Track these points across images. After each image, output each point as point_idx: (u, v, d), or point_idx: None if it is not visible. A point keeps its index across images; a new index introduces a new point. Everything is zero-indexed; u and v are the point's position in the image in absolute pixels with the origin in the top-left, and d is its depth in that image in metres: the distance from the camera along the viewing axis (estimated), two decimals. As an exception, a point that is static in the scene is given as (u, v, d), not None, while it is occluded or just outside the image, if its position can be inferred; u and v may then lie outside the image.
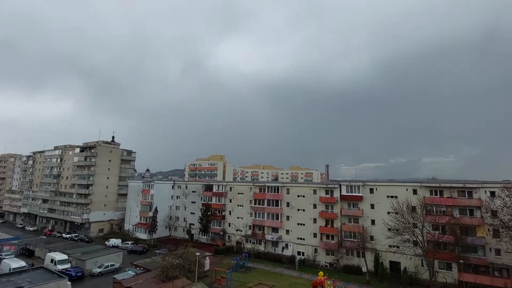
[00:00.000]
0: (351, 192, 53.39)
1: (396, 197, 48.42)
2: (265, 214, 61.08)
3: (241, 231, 63.83)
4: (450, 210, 44.84)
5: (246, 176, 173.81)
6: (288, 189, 60.68)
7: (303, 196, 58.31)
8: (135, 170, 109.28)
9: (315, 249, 55.01)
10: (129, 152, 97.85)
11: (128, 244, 65.98)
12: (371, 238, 49.59)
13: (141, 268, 44.34)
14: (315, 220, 56.00)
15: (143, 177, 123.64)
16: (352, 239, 50.42)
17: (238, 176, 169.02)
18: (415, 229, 42.11)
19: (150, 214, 71.85)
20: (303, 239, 56.79)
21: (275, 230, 60.23)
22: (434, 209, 45.74)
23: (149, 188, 76.14)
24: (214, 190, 70.76)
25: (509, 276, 39.46)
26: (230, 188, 69.14)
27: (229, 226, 66.97)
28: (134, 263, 47.47)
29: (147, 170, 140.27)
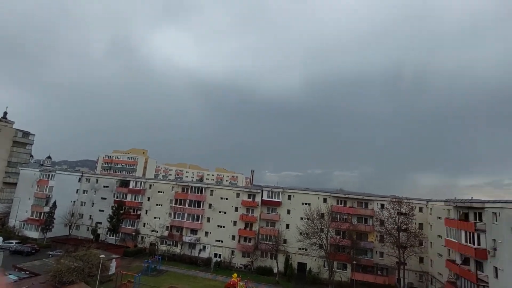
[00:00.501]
0: (272, 197, 56.43)
1: (309, 204, 53.40)
2: (186, 215, 59.01)
3: (157, 232, 60.00)
4: (350, 218, 51.86)
5: (169, 174, 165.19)
6: (212, 191, 60.21)
7: (226, 199, 58.73)
8: (31, 156, 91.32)
9: (232, 251, 55.81)
10: (26, 134, 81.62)
11: (12, 243, 54.27)
12: (284, 241, 53.22)
13: (27, 272, 36.93)
14: (235, 223, 56.94)
15: (42, 165, 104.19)
16: (267, 242, 53.08)
17: (160, 173, 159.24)
18: (322, 234, 47.24)
19: (46, 209, 60.99)
20: (222, 241, 56.97)
21: (194, 231, 58.70)
22: (338, 217, 52.13)
23: (48, 178, 64.59)
24: (130, 187, 64.73)
25: (388, 274, 47.71)
26: (150, 185, 64.46)
27: (144, 226, 62.15)
28: (18, 266, 39.18)
29: (48, 157, 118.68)
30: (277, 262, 50.83)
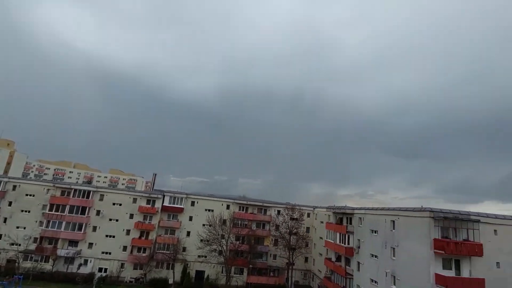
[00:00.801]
0: (174, 203, 53.54)
1: (212, 210, 53.28)
2: (64, 223, 49.06)
3: (19, 245, 47.38)
4: (250, 224, 54.46)
5: (45, 174, 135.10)
6: (102, 195, 52.34)
7: (120, 205, 52.18)
8: None
9: (122, 264, 49.60)
10: None
11: None
12: (184, 249, 51.08)
13: None
14: (128, 232, 51.04)
15: None
16: (164, 251, 49.72)
17: (32, 171, 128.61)
18: (222, 240, 47.73)
19: None
20: (110, 253, 49.91)
21: (73, 243, 49.32)
22: (240, 223, 53.94)
23: None
24: (-17, 188, 49.40)
25: (279, 275, 51.99)
26: (14, 186, 50.76)
27: (0, 238, 48.21)
28: None
29: None
30: (173, 272, 48.12)
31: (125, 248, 50.29)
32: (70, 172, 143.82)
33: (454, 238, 27.42)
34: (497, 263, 27.37)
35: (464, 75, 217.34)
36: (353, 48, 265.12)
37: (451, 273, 26.45)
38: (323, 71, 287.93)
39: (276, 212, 56.07)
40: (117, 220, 51.33)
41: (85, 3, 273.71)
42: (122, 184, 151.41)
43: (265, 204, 56.51)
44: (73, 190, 51.26)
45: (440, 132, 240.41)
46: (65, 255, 47.67)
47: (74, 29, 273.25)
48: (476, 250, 26.31)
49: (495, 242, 27.71)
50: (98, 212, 51.03)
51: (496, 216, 29.15)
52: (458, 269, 26.92)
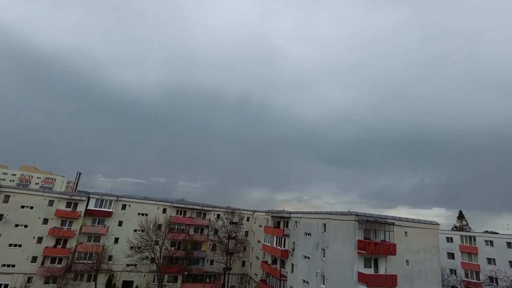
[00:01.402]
0: (101, 207, 47.99)
1: (147, 214, 49.42)
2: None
3: None
4: (188, 228, 52.19)
5: None
6: (7, 196, 43.82)
7: (31, 208, 44.43)
8: None
9: (29, 278, 42.07)
10: None
11: None
12: (110, 258, 46.05)
13: None
14: (40, 240, 43.70)
15: None
16: (86, 261, 43.98)
17: None
18: (156, 246, 44.51)
19: None
20: (13, 265, 41.88)
21: (-39, 256, 39.98)
22: (176, 227, 51.22)
23: None
24: None
25: (215, 280, 50.83)
26: None
27: None
28: None
29: None
30: (95, 285, 42.82)
31: (34, 259, 42.86)
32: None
33: (374, 239, 30.74)
34: (407, 260, 31.63)
35: (388, 96, 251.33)
36: (297, 61, 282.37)
37: (370, 271, 29.49)
38: (269, 79, 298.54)
39: (216, 216, 55.01)
40: (25, 226, 43.53)
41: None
42: (36, 183, 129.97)
43: (204, 208, 54.95)
44: (-35, 190, 41.68)
45: (367, 144, 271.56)
46: None
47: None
48: (391, 250, 29.92)
49: (405, 242, 32.01)
50: (0, 217, 42.49)
51: (407, 220, 33.76)
52: (376, 267, 30.17)
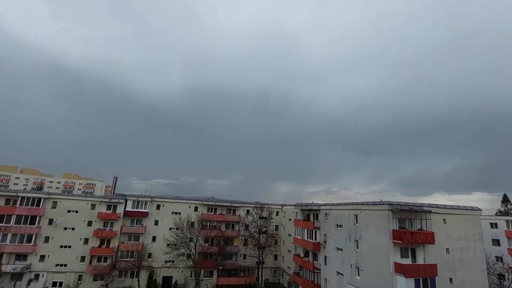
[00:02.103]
0: (138, 208, 50.81)
1: (180, 213, 51.50)
2: (9, 235, 43.97)
3: (-47, 264, 41.52)
4: (219, 225, 53.68)
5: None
6: (55, 202, 47.84)
7: (76, 212, 48.17)
8: None
9: (80, 276, 45.87)
10: None
11: None
12: (149, 255, 48.75)
13: None
14: (86, 241, 47.32)
15: None
16: (128, 259, 46.95)
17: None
18: (191, 243, 46.37)
19: None
20: (65, 265, 45.83)
21: (22, 257, 44.43)
22: (208, 224, 52.90)
23: None
24: None
25: (249, 274, 51.97)
26: None
27: None
28: None
29: None
30: (138, 280, 45.65)
31: (83, 259, 46.58)
32: (16, 178, 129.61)
33: (410, 228, 29.66)
34: (447, 249, 30.20)
35: (413, 79, 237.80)
36: (315, 51, 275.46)
37: (408, 261, 28.57)
38: (288, 72, 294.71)
39: (245, 212, 55.98)
40: (73, 229, 47.34)
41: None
42: (78, 189, 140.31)
43: (234, 205, 56.11)
44: (20, 197, 46.09)
45: (394, 130, 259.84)
46: (12, 271, 42.73)
47: (22, 19, 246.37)
48: (429, 239, 28.72)
49: (444, 230, 30.53)
50: (50, 221, 46.59)
51: (444, 207, 32.13)
52: (414, 256, 29.17)
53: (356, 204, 35.33)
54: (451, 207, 32.43)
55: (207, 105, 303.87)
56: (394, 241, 28.43)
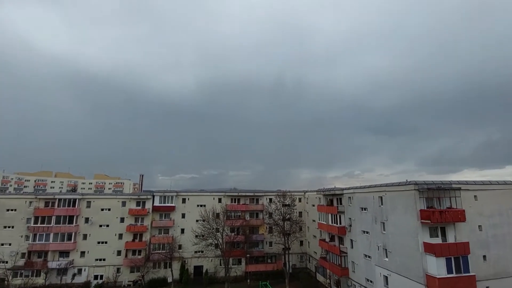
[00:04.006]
0: (164, 202, 52.94)
1: (204, 205, 53.09)
2: (52, 235, 47.62)
3: (7, 262, 45.64)
4: (243, 214, 54.82)
5: (25, 186, 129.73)
6: (89, 202, 50.95)
7: (109, 210, 51.03)
8: None
9: (118, 269, 48.97)
10: None
11: None
12: (180, 247, 50.96)
13: None
14: (121, 236, 50.21)
15: None
16: (160, 251, 49.41)
17: (10, 185, 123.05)
18: (217, 233, 47.85)
19: None
20: (104, 259, 49.06)
21: (64, 254, 48.09)
22: (233, 214, 54.16)
23: None
24: (-42, 208, 46.86)
25: (276, 261, 53.03)
26: (-7, 203, 48.49)
27: (-16, 258, 46.14)
28: None
29: None
30: (171, 271, 48.04)
31: (119, 253, 49.59)
32: (52, 182, 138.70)
33: (439, 207, 28.74)
34: (479, 226, 29.05)
35: (433, 52, 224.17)
36: (327, 31, 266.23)
37: (438, 240, 27.86)
38: (301, 58, 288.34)
39: (268, 200, 56.64)
40: (107, 226, 50.32)
41: (52, 2, 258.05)
42: (109, 188, 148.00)
43: (256, 194, 56.90)
44: (57, 200, 49.56)
45: (416, 108, 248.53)
46: (57, 267, 46.47)
47: (42, 31, 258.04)
48: (459, 216, 27.72)
49: (476, 207, 29.32)
50: (86, 220, 49.77)
51: (475, 183, 30.74)
52: (444, 235, 28.36)
53: (381, 186, 34.64)
54: (482, 183, 30.96)
55: (223, 98, 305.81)
56: (422, 221, 27.76)
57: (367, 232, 36.41)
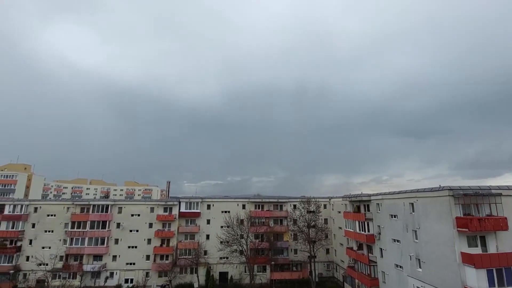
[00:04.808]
0: (190, 208, 54.12)
1: (229, 212, 53.53)
2: (87, 239, 50.39)
3: (47, 265, 48.88)
4: (267, 221, 54.49)
5: (64, 193, 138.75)
6: (120, 208, 53.42)
7: (138, 215, 53.11)
8: None
9: (147, 273, 50.55)
10: None
11: None
12: (205, 252, 51.65)
13: None
14: (149, 241, 51.93)
15: None
16: (186, 256, 50.36)
17: (51, 192, 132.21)
18: (242, 240, 47.95)
19: None
20: (134, 263, 50.94)
21: (98, 257, 50.60)
22: (257, 221, 54.04)
23: None
24: (6, 212, 51.14)
25: (301, 269, 51.93)
26: (36, 208, 52.43)
27: (27, 260, 49.85)
28: None
29: None
30: (197, 276, 48.73)
31: (148, 257, 51.24)
32: (87, 188, 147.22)
33: (477, 215, 26.73)
34: (525, 235, 26.55)
35: (469, 48, 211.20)
36: (352, 33, 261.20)
37: (477, 250, 25.80)
38: (324, 61, 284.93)
39: (292, 206, 55.90)
40: (137, 231, 52.32)
41: (89, 23, 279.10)
42: (138, 195, 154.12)
43: (280, 200, 56.44)
44: (91, 205, 52.54)
45: (449, 108, 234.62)
46: (91, 270, 48.96)
47: (79, 49, 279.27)
48: (501, 224, 25.54)
49: (520, 214, 26.86)
50: (118, 225, 52.12)
51: (518, 188, 28.24)
52: (484, 245, 26.22)
53: (411, 191, 32.95)
54: (527, 188, 28.37)
55: (246, 104, 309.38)
56: (458, 229, 25.92)
57: (397, 241, 34.64)
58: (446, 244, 26.97)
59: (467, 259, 25.07)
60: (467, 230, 25.33)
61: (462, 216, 26.33)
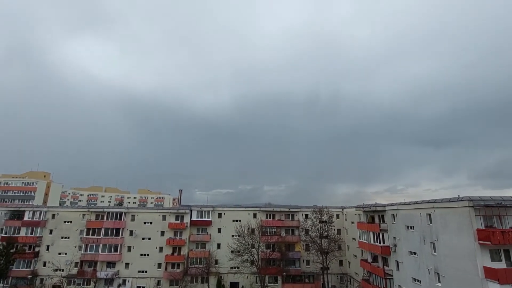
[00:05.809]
0: (201, 217, 54.18)
1: (240, 220, 53.21)
2: (101, 246, 51.16)
3: (62, 270, 49.83)
4: (279, 231, 53.72)
5: (80, 200, 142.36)
6: (133, 215, 54.13)
7: (151, 223, 53.61)
8: None
9: (158, 281, 50.60)
10: None
11: None
12: (216, 261, 51.28)
13: None
14: (161, 249, 52.16)
15: None
16: (197, 265, 50.14)
17: (68, 199, 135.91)
18: (253, 249, 47.39)
19: None
20: (146, 271, 51.16)
21: (111, 264, 51.18)
22: (268, 230, 53.38)
23: None
24: (26, 218, 52.89)
25: (314, 281, 50.59)
26: (53, 215, 53.95)
27: (44, 266, 51.03)
28: None
29: None
30: (208, 286, 48.32)
31: (159, 265, 51.37)
32: (102, 196, 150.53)
33: (500, 227, 25.40)
34: (554, 249, 24.92)
35: (488, 52, 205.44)
36: (363, 43, 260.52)
37: (501, 265, 24.37)
38: (335, 70, 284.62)
39: (304, 216, 54.98)
40: (149, 239, 52.72)
41: (109, 38, 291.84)
42: (151, 203, 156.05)
43: (291, 210, 55.70)
44: (106, 213, 53.54)
45: (467, 115, 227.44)
46: (105, 277, 49.48)
47: (99, 63, 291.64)
48: (527, 238, 24.12)
49: (547, 227, 25.30)
50: (131, 232, 52.73)
51: (544, 199, 26.71)
52: (508, 259, 24.77)
53: (428, 202, 31.74)
54: (554, 199, 26.79)
55: (258, 113, 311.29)
56: (480, 242, 24.65)
57: (414, 253, 33.26)
58: (467, 258, 25.66)
59: (491, 274, 23.71)
60: (489, 243, 24.05)
61: (483, 228, 25.07)
